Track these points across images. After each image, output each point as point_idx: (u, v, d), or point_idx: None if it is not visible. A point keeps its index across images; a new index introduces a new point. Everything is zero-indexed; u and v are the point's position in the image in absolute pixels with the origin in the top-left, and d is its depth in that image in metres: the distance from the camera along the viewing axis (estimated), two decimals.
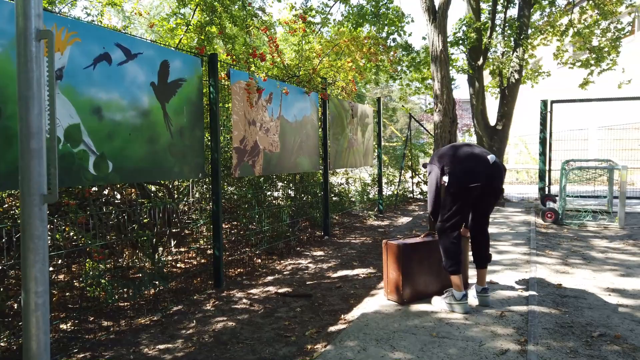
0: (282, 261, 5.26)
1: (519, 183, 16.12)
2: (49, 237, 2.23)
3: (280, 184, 6.98)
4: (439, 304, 3.37)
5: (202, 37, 4.36)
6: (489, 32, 9.26)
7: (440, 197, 3.43)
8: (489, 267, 3.88)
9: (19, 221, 3.73)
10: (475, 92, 9.56)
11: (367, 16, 8.58)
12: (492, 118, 10.07)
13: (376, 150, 8.95)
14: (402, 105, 11.26)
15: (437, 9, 5.88)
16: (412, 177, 11.17)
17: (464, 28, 9.28)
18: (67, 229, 3.92)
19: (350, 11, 8.70)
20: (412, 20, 8.99)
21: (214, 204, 4.31)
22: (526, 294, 3.66)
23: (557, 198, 8.47)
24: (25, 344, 1.68)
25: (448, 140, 5.91)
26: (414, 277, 3.48)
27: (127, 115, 3.39)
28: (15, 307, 3.71)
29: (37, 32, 1.62)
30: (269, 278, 4.57)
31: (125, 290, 4.14)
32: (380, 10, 8.52)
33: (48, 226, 1.76)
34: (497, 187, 3.25)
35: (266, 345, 2.97)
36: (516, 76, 9.30)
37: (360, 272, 4.68)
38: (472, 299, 3.47)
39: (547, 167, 9.36)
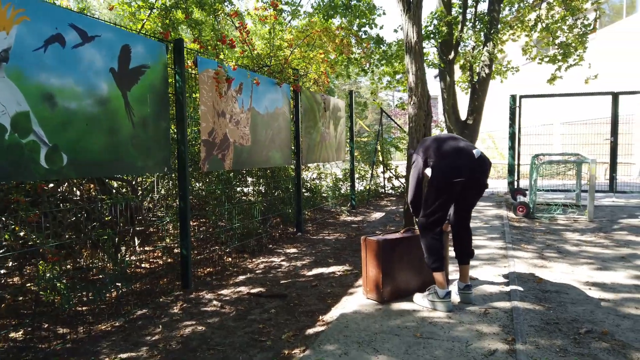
0: (253, 259, 5.03)
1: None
2: None
3: (250, 179, 6.73)
4: (421, 302, 3.23)
5: (167, 22, 4.07)
6: (460, 26, 9.24)
7: (422, 188, 3.30)
8: None
9: None
10: (446, 86, 9.54)
11: (338, 8, 8.39)
12: (462, 113, 10.08)
13: (348, 145, 8.80)
14: (373, 100, 11.14)
15: None
16: (383, 172, 11.09)
17: (435, 22, 9.23)
18: (16, 228, 3.58)
19: (321, 3, 8.49)
20: (384, 13, 8.86)
21: (181, 200, 4.04)
22: (507, 289, 3.57)
23: (527, 192, 8.54)
24: None
25: (423, 134, 5.79)
26: (395, 274, 3.33)
27: (83, 104, 3.09)
28: None
29: None
30: (241, 277, 4.34)
31: (84, 293, 3.84)
32: (351, 1, 8.35)
33: None
34: (482, 181, 3.13)
35: (239, 351, 2.75)
36: (487, 71, 9.32)
37: (337, 269, 4.51)
38: (454, 296, 3.36)
39: (516, 162, 9.45)
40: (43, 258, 3.63)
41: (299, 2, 8.61)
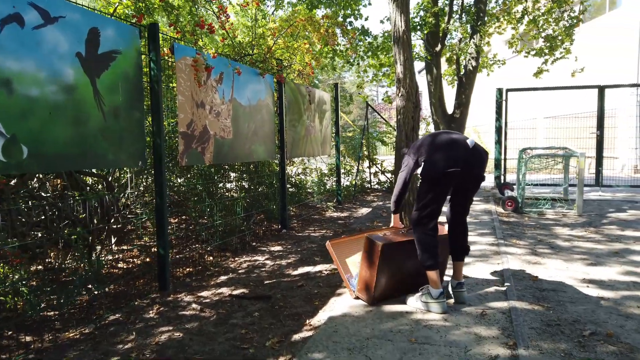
0: (236, 258, 4.80)
1: None
2: None
3: (233, 174, 6.47)
4: (414, 304, 3.04)
5: (141, 4, 3.79)
6: (447, 18, 9.08)
7: (407, 190, 3.14)
8: None
9: None
10: (433, 79, 9.38)
11: None
12: (449, 107, 9.94)
13: (334, 139, 8.59)
14: (359, 93, 10.94)
15: None
16: (369, 167, 10.91)
17: (422, 13, 9.05)
18: None
19: None
20: (370, 4, 8.64)
21: (157, 196, 3.78)
22: (503, 288, 3.40)
23: (514, 186, 8.45)
24: None
25: (411, 127, 5.61)
26: (388, 277, 3.12)
27: (46, 91, 2.81)
28: None
29: None
30: (222, 278, 4.10)
31: (52, 297, 3.56)
32: None
33: None
34: (478, 173, 2.95)
35: None
36: (473, 63, 9.18)
37: (323, 268, 4.30)
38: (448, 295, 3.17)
39: (502, 156, 9.36)
40: (4, 260, 3.35)
41: None
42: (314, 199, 8.49)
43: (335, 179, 9.03)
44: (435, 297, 2.91)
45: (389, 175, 10.67)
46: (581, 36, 15.38)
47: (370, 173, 10.93)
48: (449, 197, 3.12)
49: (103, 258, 4.76)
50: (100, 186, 5.12)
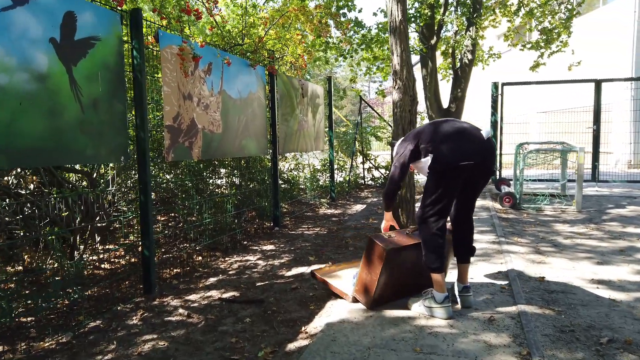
0: (226, 258, 4.57)
1: None
2: None
3: (223, 170, 6.23)
4: (417, 309, 2.84)
5: None
6: (442, 10, 8.88)
7: (402, 182, 2.91)
8: None
9: None
10: (428, 72, 9.19)
11: None
12: (444, 101, 9.76)
13: (327, 134, 8.37)
14: (352, 87, 10.72)
15: None
16: (362, 163, 10.71)
17: (417, 4, 8.84)
18: None
19: None
20: None
21: (141, 193, 3.55)
22: (509, 290, 3.22)
23: (510, 182, 8.29)
24: None
25: (409, 121, 5.41)
26: (390, 281, 2.92)
27: (15, 79, 2.57)
28: None
29: None
30: (212, 280, 3.88)
31: (29, 302, 3.33)
32: None
33: None
34: (490, 167, 2.75)
35: None
36: (469, 56, 9.00)
37: (318, 268, 4.08)
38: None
39: (498, 151, 9.21)
40: None
41: None
42: (307, 195, 8.28)
43: (328, 174, 8.82)
44: (439, 302, 2.72)
45: (383, 171, 10.48)
46: (574, 31, 15.28)
47: (363, 169, 10.74)
48: None
49: (87, 258, 4.53)
50: (84, 183, 4.88)
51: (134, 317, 3.09)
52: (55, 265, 4.02)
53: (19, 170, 4.04)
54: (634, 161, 13.57)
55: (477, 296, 3.10)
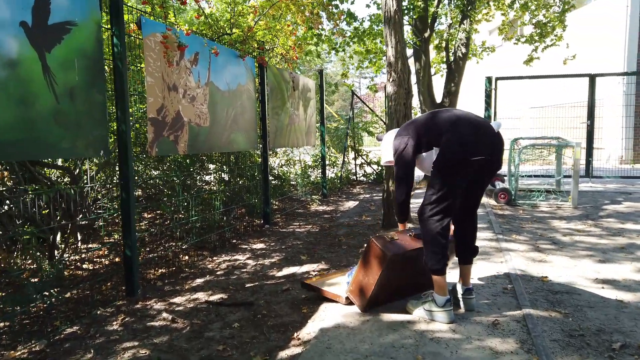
0: (214, 258, 4.38)
1: None
2: None
3: (212, 166, 6.02)
4: (416, 312, 2.68)
5: None
6: (436, 2, 8.71)
7: (412, 180, 2.72)
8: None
9: None
10: (421, 66, 9.03)
11: None
12: (437, 96, 9.61)
13: (319, 129, 8.18)
14: (344, 82, 10.53)
15: None
16: (354, 159, 10.55)
17: None
18: None
19: None
20: None
21: (123, 190, 3.34)
22: (512, 291, 3.07)
23: (505, 177, 8.17)
24: None
25: (403, 114, 5.25)
26: (389, 285, 2.75)
27: None
28: None
29: None
30: (198, 281, 3.69)
31: (2, 307, 3.11)
32: None
33: None
34: (499, 162, 2.57)
35: None
36: (463, 50, 8.84)
37: (310, 268, 3.92)
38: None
39: None
40: None
41: None
42: (299, 191, 8.10)
43: (320, 170, 8.64)
44: (441, 305, 2.55)
45: (375, 166, 10.32)
46: (567, 25, 15.21)
47: (355, 165, 10.57)
48: None
49: (67, 258, 4.31)
50: (67, 178, 4.65)
51: (114, 322, 2.89)
52: (34, 266, 3.81)
53: None
54: (625, 157, 13.57)
55: (478, 298, 2.94)
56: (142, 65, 3.91)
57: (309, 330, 2.61)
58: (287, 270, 3.88)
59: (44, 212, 4.13)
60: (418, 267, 2.73)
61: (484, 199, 7.28)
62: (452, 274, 3.19)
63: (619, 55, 13.97)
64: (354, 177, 10.47)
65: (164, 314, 2.98)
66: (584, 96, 9.41)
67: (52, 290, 3.45)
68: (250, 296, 3.28)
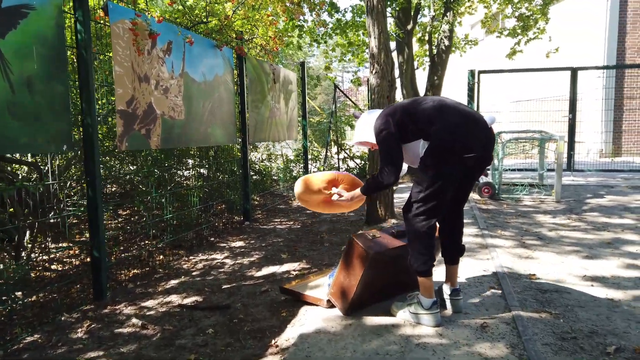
0: (191, 257, 4.19)
1: None
2: None
3: (191, 161, 5.81)
4: (401, 314, 2.54)
5: None
6: None
7: (402, 162, 2.46)
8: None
9: None
10: (404, 59, 8.89)
11: None
12: (421, 89, 9.51)
13: (301, 123, 8.00)
14: (326, 75, 10.35)
15: None
16: (337, 153, 10.38)
17: None
18: None
19: None
20: None
21: (89, 187, 3.13)
22: (500, 290, 2.95)
23: (488, 172, 8.11)
24: None
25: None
26: (372, 286, 2.60)
27: None
28: None
29: None
30: (172, 282, 3.50)
31: None
32: None
33: None
34: (491, 158, 2.42)
35: None
36: (446, 42, 8.73)
37: (291, 267, 3.76)
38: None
39: None
40: None
41: None
42: (280, 187, 7.91)
43: (302, 165, 8.46)
44: (427, 308, 2.41)
45: (358, 161, 10.18)
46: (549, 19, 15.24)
47: (338, 159, 10.40)
48: None
49: (35, 258, 4.08)
50: (36, 175, 4.40)
51: (79, 329, 2.70)
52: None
53: None
54: (605, 150, 13.69)
55: (466, 298, 2.82)
56: (110, 53, 3.69)
57: (288, 337, 2.45)
58: (266, 270, 3.71)
59: (10, 210, 3.90)
60: (402, 266, 2.59)
61: None
62: (438, 272, 3.06)
63: (599, 50, 14.05)
64: (337, 171, 10.31)
65: (134, 320, 2.79)
66: (564, 90, 9.40)
67: (15, 294, 3.23)
68: (227, 299, 3.11)
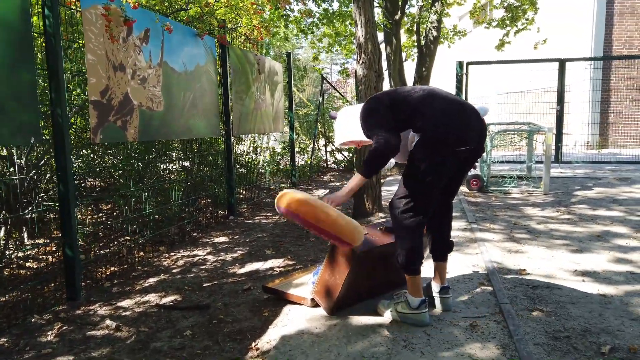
0: (172, 253, 4.04)
1: None
2: None
3: (174, 154, 5.64)
4: (388, 314, 2.43)
5: None
6: None
7: (399, 138, 2.25)
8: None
9: None
10: (392, 49, 8.77)
11: None
12: (409, 80, 9.40)
13: (287, 115, 7.85)
14: (314, 66, 10.20)
15: None
16: (325, 146, 10.27)
17: None
18: None
19: None
20: None
21: (60, 182, 2.97)
22: (490, 287, 2.86)
23: (476, 164, 8.06)
24: None
25: None
26: (358, 284, 2.49)
27: None
28: None
29: None
30: (151, 280, 3.36)
31: None
32: None
33: None
34: (482, 151, 2.31)
35: None
36: (434, 33, 8.63)
37: (275, 264, 3.64)
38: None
39: None
40: None
41: None
42: (266, 180, 7.78)
43: (289, 158, 8.33)
44: (415, 307, 2.31)
45: (345, 153, 10.07)
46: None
47: (326, 152, 10.30)
48: None
49: (9, 255, 3.91)
50: (11, 168, 4.22)
51: (50, 332, 2.55)
52: None
53: None
54: (592, 142, 13.73)
55: (455, 295, 2.72)
56: (82, 41, 3.51)
57: (269, 338, 2.33)
58: (250, 267, 3.59)
59: None
60: (390, 264, 2.49)
61: None
62: (426, 267, 2.96)
63: (586, 42, 14.04)
64: (325, 164, 10.21)
65: (108, 321, 2.65)
66: (552, 82, 9.36)
67: None
68: (207, 298, 2.98)
